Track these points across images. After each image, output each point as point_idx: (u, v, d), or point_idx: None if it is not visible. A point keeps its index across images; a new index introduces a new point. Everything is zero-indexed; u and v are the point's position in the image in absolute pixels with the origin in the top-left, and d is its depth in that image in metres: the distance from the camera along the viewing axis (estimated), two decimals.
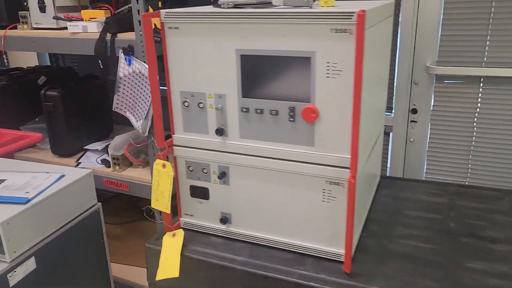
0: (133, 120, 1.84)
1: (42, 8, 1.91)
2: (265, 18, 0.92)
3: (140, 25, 1.66)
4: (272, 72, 0.95)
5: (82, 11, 1.84)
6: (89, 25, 1.81)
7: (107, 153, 2.14)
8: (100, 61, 1.78)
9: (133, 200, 2.51)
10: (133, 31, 1.77)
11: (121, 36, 1.74)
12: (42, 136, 2.01)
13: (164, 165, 1.08)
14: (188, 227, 1.17)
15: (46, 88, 2.06)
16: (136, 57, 1.71)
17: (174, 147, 1.12)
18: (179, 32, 1.01)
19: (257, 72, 0.97)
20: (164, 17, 1.01)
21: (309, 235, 1.05)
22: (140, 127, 1.78)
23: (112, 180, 1.98)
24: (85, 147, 2.22)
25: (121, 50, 1.73)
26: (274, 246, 1.10)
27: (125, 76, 1.77)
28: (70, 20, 1.92)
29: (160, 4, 1.66)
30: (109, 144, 2.19)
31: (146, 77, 1.70)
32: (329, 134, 0.94)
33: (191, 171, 1.10)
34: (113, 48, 1.75)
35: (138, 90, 1.76)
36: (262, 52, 0.94)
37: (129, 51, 1.71)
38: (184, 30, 1.00)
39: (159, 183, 1.08)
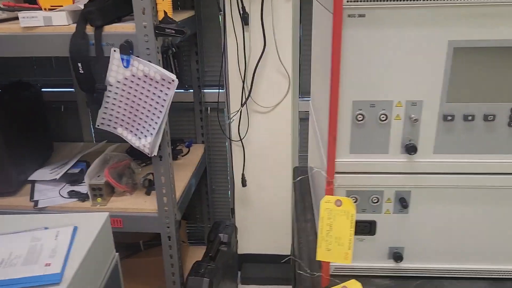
0: (130, 137, 1.42)
1: None
2: None
3: (144, 14, 1.27)
4: (492, 68, 0.76)
5: None
6: (55, 16, 1.32)
7: (69, 182, 1.66)
8: (79, 64, 1.32)
9: None
10: (119, 22, 1.36)
11: (110, 29, 1.31)
12: None
13: (339, 202, 0.80)
14: (339, 273, 0.91)
15: None
16: (138, 56, 1.31)
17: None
18: (364, 21, 0.73)
19: (471, 70, 0.76)
20: (348, 0, 0.72)
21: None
22: (146, 146, 1.38)
23: None
24: (30, 179, 1.69)
25: (114, 49, 1.30)
26: (456, 276, 0.91)
27: (119, 82, 1.35)
28: (13, 9, 1.39)
29: None
30: (63, 169, 1.70)
31: (157, 82, 1.31)
32: None
33: (353, 203, 0.85)
34: (99, 46, 1.31)
35: (140, 99, 1.35)
36: (490, 43, 0.74)
37: (128, 49, 1.30)
38: (372, 19, 0.73)
39: (331, 227, 0.80)
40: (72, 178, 1.66)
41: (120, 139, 1.82)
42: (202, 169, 1.96)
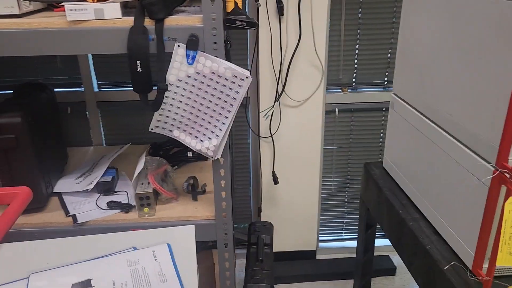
0: (189, 141, 1.31)
1: None
2: None
3: (213, 4, 1.16)
4: None
5: None
6: (107, 8, 1.17)
7: (102, 191, 1.51)
8: (138, 62, 1.19)
9: None
10: (174, 14, 1.24)
11: (171, 22, 1.19)
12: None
13: None
14: (503, 274, 0.89)
15: None
16: (204, 52, 1.20)
17: None
18: None
19: None
20: None
21: None
22: (210, 149, 1.28)
23: None
24: (55, 191, 1.51)
25: (178, 44, 1.18)
26: None
27: (180, 81, 1.23)
28: (47, 0, 1.22)
29: None
30: (92, 178, 1.55)
31: (227, 79, 1.21)
32: None
33: None
34: (160, 41, 1.19)
35: (204, 98, 1.25)
36: None
37: (196, 44, 1.19)
38: None
39: None
40: (106, 187, 1.51)
41: (138, 141, 1.70)
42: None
